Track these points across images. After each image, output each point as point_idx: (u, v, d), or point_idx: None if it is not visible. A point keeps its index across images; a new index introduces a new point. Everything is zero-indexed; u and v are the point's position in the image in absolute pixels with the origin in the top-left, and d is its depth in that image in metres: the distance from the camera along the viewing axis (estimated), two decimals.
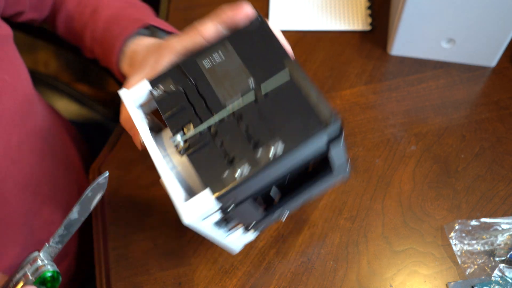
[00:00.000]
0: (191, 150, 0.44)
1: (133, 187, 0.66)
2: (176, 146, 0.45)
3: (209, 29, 0.50)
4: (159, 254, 0.61)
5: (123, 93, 0.48)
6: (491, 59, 0.70)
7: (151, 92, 0.48)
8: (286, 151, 0.42)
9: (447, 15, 0.65)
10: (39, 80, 0.95)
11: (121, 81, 0.62)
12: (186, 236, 0.62)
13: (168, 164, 0.47)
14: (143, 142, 0.46)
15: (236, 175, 0.43)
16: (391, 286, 0.58)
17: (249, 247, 0.60)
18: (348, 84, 0.71)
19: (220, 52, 0.48)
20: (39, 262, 0.45)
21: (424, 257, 0.59)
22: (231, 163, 0.43)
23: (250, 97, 0.45)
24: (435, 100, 0.69)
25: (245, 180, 0.42)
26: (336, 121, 0.42)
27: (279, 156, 0.42)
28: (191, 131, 0.45)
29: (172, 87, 0.47)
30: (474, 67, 0.72)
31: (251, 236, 0.55)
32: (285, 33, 0.78)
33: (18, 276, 0.44)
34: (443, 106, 0.69)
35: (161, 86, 0.47)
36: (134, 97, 0.48)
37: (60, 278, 0.46)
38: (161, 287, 0.59)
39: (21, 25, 0.72)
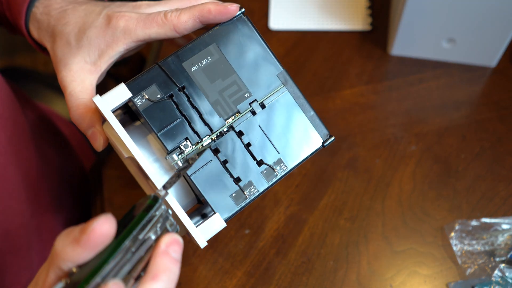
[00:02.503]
0: (192, 168, 0.42)
1: (133, 187, 0.66)
2: (174, 164, 0.42)
3: (186, 23, 0.43)
4: None
5: (97, 100, 0.41)
6: (492, 59, 0.70)
7: (131, 100, 0.42)
8: (291, 167, 0.44)
9: (447, 15, 0.65)
10: (39, 80, 0.95)
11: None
12: (185, 236, 0.62)
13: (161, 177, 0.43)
14: (129, 156, 0.42)
15: (245, 195, 0.42)
16: (391, 286, 0.58)
17: (249, 247, 0.60)
18: (348, 84, 0.71)
19: (206, 55, 0.43)
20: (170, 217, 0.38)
21: (424, 257, 0.59)
22: (237, 182, 0.43)
23: (247, 109, 0.43)
24: (436, 100, 0.69)
25: (253, 199, 0.43)
26: (331, 138, 0.45)
27: (285, 173, 0.43)
28: (189, 148, 0.42)
29: (159, 96, 0.42)
30: (475, 67, 0.71)
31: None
32: (285, 33, 0.78)
33: (158, 226, 0.36)
34: (444, 106, 0.69)
35: (145, 94, 0.42)
36: (111, 105, 0.41)
37: None
38: None
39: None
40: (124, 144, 0.40)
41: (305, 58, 0.74)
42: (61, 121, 0.82)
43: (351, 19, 0.76)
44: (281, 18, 0.77)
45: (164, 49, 0.77)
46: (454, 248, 0.59)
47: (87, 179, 0.76)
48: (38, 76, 0.97)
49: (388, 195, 0.63)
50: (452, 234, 0.60)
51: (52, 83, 0.96)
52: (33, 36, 0.50)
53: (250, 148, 0.43)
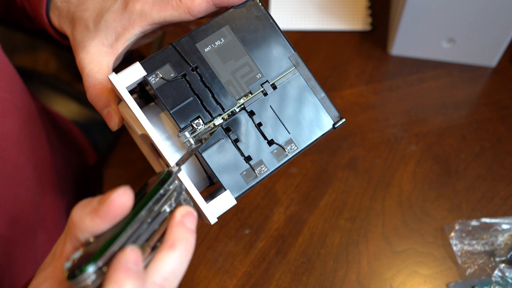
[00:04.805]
0: (204, 146, 0.42)
1: (133, 187, 0.66)
2: (186, 142, 0.43)
3: (200, 6, 0.44)
4: None
5: (113, 77, 0.42)
6: (492, 59, 0.70)
7: (145, 79, 0.43)
8: (301, 147, 0.44)
9: (447, 15, 0.65)
10: (39, 80, 0.95)
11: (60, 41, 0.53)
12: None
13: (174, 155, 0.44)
14: (142, 134, 0.43)
15: (256, 174, 0.43)
16: (391, 286, 0.58)
17: (249, 247, 0.60)
18: (348, 84, 0.71)
19: (219, 36, 0.44)
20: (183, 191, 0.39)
21: (424, 257, 0.59)
22: (248, 161, 0.43)
23: (259, 90, 0.44)
24: (436, 100, 0.69)
25: (263, 178, 0.43)
26: (342, 120, 0.46)
27: (295, 153, 0.44)
28: (201, 127, 0.43)
29: (172, 75, 0.43)
30: (475, 67, 0.71)
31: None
32: (285, 33, 0.77)
33: (173, 199, 0.38)
34: (444, 106, 0.69)
35: (159, 73, 0.43)
36: (125, 82, 0.42)
37: None
38: None
39: (21, 25, 0.70)
40: (138, 121, 0.42)
41: (305, 58, 0.73)
42: (62, 120, 0.82)
43: (351, 19, 0.76)
44: (281, 18, 0.77)
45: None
46: (454, 248, 0.59)
47: (88, 177, 0.76)
48: (38, 76, 0.97)
49: (388, 195, 0.63)
50: (452, 234, 0.60)
51: (52, 83, 0.96)
52: (53, 25, 0.52)
53: (261, 128, 0.44)
